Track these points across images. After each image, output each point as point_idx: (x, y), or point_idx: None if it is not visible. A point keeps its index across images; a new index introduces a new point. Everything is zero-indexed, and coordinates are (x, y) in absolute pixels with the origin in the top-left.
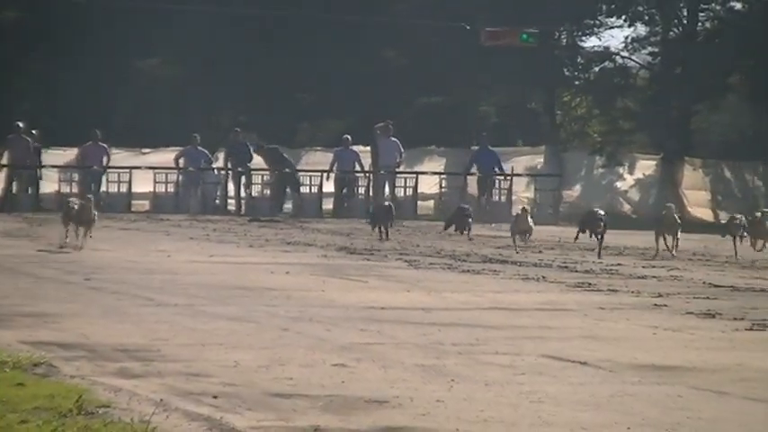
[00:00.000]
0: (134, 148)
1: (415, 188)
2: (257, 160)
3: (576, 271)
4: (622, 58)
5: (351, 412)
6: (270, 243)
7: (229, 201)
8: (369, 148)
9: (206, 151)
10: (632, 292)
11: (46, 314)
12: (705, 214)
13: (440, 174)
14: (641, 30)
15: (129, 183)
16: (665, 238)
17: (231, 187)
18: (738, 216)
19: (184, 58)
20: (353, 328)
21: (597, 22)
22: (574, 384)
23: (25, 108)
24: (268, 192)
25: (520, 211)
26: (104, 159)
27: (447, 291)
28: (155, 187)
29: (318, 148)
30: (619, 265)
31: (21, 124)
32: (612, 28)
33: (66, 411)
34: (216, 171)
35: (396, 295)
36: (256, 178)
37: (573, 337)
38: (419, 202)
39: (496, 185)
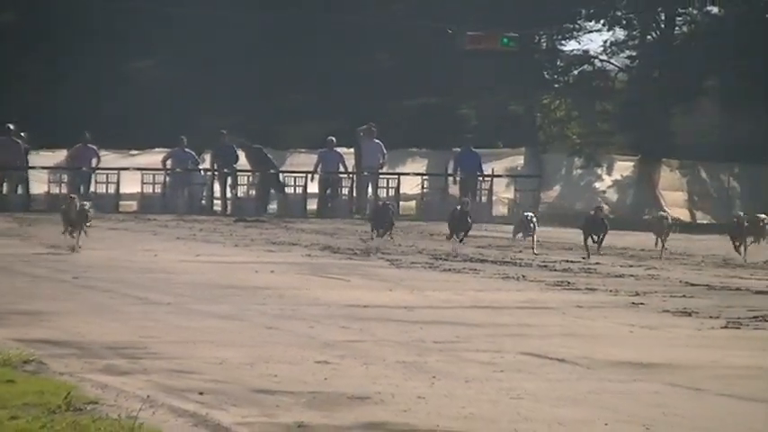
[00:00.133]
0: (122, 149)
1: (398, 189)
2: (242, 161)
3: (555, 270)
4: (601, 61)
5: (334, 408)
6: (255, 243)
7: (215, 201)
8: (352, 149)
9: (193, 153)
10: (610, 290)
11: (37, 312)
12: (682, 214)
13: (422, 175)
14: (620, 34)
15: (118, 184)
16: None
17: (217, 188)
18: (742, 216)
19: (172, 62)
20: (337, 326)
21: (577, 26)
22: (552, 381)
23: (15, 110)
24: (253, 192)
25: (522, 217)
26: (94, 161)
27: (429, 289)
28: (142, 188)
29: (303, 149)
30: (597, 264)
31: (11, 126)
32: (591, 32)
33: (55, 408)
34: (202, 172)
35: (378, 294)
36: (242, 179)
37: (552, 334)
38: (401, 203)
39: (478, 186)
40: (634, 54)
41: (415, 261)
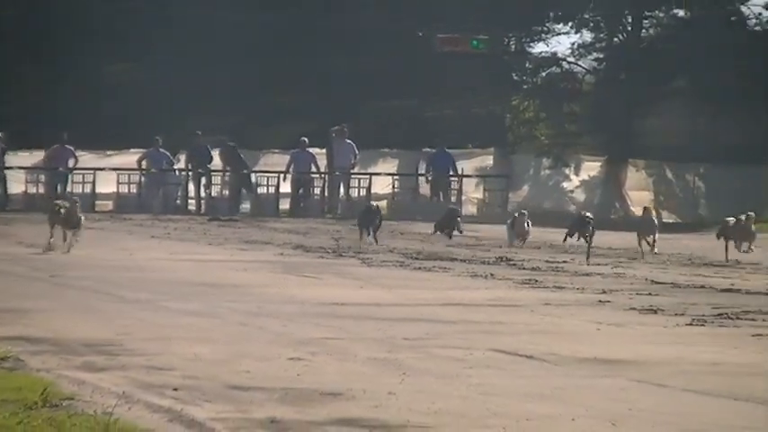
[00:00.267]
0: (98, 150)
1: (369, 188)
2: (216, 161)
3: (524, 268)
4: (569, 63)
5: (306, 404)
6: (229, 241)
7: (190, 201)
8: (325, 150)
9: (167, 153)
10: (577, 288)
11: (14, 310)
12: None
13: (392, 175)
14: (587, 36)
15: (94, 183)
16: (646, 240)
17: (192, 188)
18: (730, 219)
19: (145, 64)
20: (309, 323)
21: (545, 28)
22: (521, 377)
23: None
24: (227, 192)
25: (517, 215)
26: (71, 161)
27: (400, 287)
28: (118, 188)
29: (276, 150)
30: (564, 262)
31: None
32: (560, 34)
33: (32, 404)
34: (177, 172)
35: (350, 291)
36: (215, 179)
37: (521, 331)
38: (373, 202)
39: (450, 186)
40: (601, 56)
41: (387, 260)
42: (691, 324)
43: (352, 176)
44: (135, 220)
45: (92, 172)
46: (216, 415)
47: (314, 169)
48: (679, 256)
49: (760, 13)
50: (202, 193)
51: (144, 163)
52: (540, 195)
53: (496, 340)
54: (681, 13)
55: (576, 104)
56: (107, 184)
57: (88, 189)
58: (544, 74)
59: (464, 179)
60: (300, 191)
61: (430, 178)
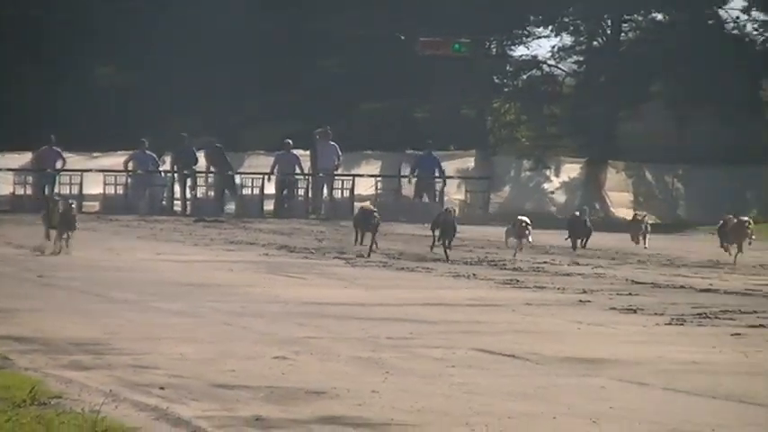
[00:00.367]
0: (85, 151)
1: (352, 190)
2: (202, 162)
3: (505, 268)
4: (549, 66)
5: (291, 402)
6: (214, 242)
7: (176, 202)
8: (308, 151)
9: (154, 155)
10: (558, 288)
11: (2, 310)
12: (628, 214)
13: (376, 176)
14: (567, 39)
15: (81, 185)
16: (641, 239)
17: (177, 189)
18: (729, 217)
19: (131, 66)
20: (294, 323)
21: (526, 32)
22: (503, 376)
23: None
24: (212, 194)
25: (517, 220)
26: (59, 163)
27: (383, 287)
28: (105, 189)
29: (261, 151)
30: (545, 263)
31: None
32: (540, 38)
33: (21, 402)
34: (163, 174)
35: (334, 291)
36: (201, 180)
37: (502, 331)
38: (356, 203)
39: (435, 188)
40: (581, 59)
41: (370, 260)
42: (670, 323)
43: (336, 178)
44: (121, 221)
45: (79, 173)
46: (202, 413)
47: (298, 171)
48: (658, 257)
49: (737, 17)
50: (188, 194)
51: (130, 164)
52: (521, 197)
53: (479, 340)
54: (659, 16)
55: (556, 107)
56: (94, 186)
57: (75, 190)
58: (525, 77)
59: (446, 180)
60: (285, 192)
61: (413, 180)
